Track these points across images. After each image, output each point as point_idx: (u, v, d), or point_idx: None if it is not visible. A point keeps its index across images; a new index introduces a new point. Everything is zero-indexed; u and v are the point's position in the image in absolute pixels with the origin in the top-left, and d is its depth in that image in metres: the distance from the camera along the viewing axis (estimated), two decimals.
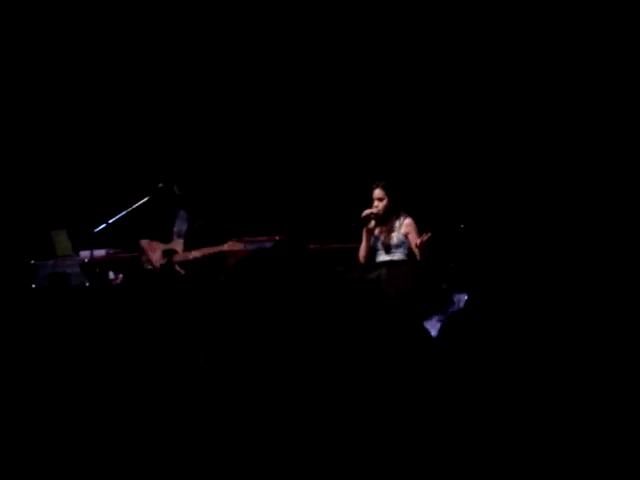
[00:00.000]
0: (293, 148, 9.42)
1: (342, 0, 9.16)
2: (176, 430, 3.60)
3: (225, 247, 7.25)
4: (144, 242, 7.41)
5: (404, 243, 7.06)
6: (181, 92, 9.54)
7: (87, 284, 7.69)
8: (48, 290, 7.75)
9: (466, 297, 7.56)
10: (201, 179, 7.87)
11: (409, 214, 7.15)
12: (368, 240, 7.13)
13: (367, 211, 7.11)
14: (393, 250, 7.07)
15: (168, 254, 7.26)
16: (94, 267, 7.76)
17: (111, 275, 7.85)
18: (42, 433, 3.81)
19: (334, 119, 9.33)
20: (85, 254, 7.97)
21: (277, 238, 8.45)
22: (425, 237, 6.81)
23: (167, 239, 7.40)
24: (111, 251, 8.10)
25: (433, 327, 7.32)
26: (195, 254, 7.24)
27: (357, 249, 7.31)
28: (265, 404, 3.50)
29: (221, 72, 9.49)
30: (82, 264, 7.90)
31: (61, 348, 5.21)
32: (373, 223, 7.12)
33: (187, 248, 7.31)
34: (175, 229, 7.42)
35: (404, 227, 7.07)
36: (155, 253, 7.31)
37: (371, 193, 7.17)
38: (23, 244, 8.90)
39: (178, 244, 7.32)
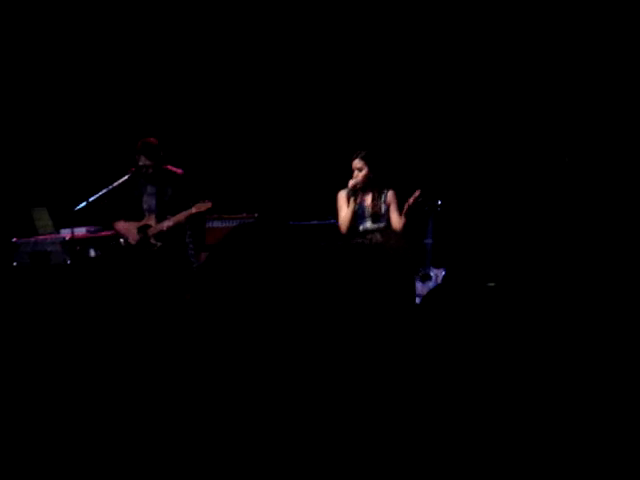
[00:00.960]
0: (270, 122, 9.45)
1: None
2: (163, 417, 3.63)
3: (193, 209, 7.31)
4: (118, 224, 7.42)
5: (387, 212, 7.17)
6: (156, 66, 9.56)
7: (68, 262, 7.71)
8: (29, 268, 7.76)
9: (444, 273, 7.65)
10: (175, 151, 7.84)
11: (390, 186, 7.25)
12: (352, 209, 7.20)
13: (352, 182, 7.18)
14: (381, 218, 7.17)
15: (142, 230, 7.29)
16: (75, 245, 7.77)
17: (92, 253, 7.87)
18: (27, 416, 3.84)
19: (312, 93, 9.36)
20: (66, 232, 7.99)
21: (255, 215, 8.52)
22: (416, 193, 6.95)
23: (139, 218, 7.41)
24: (92, 229, 8.12)
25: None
26: (167, 223, 7.29)
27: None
28: (256, 382, 3.54)
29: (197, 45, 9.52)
30: (63, 242, 7.91)
31: (43, 327, 5.24)
32: (357, 189, 7.21)
33: (160, 221, 7.34)
34: (144, 206, 7.41)
35: (387, 197, 7.17)
36: (131, 232, 7.34)
37: (351, 163, 7.25)
38: (4, 222, 8.91)
39: (150, 219, 7.35)
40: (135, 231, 7.31)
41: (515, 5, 8.64)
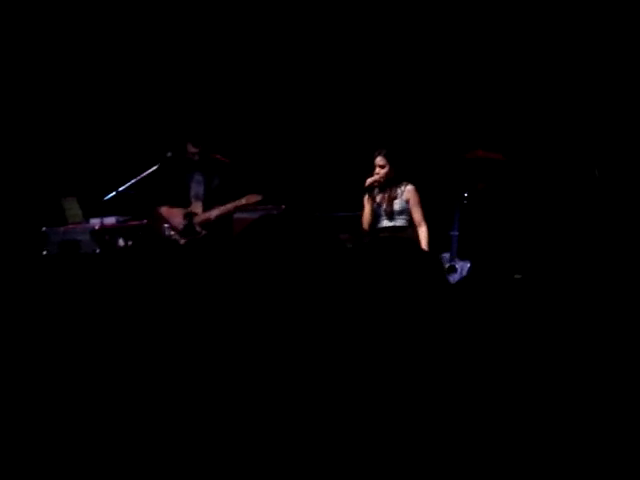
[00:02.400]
0: (299, 113, 9.50)
1: None
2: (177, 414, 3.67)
3: (243, 201, 7.38)
4: (163, 209, 7.52)
5: (406, 210, 7.19)
6: (187, 57, 9.62)
7: (97, 251, 7.79)
8: (59, 257, 7.84)
9: (469, 265, 7.69)
10: (212, 141, 7.90)
11: (411, 181, 7.28)
12: (371, 207, 7.26)
13: (370, 180, 7.24)
14: (396, 217, 7.21)
15: (188, 217, 7.38)
16: (104, 234, 7.85)
17: (121, 242, 7.95)
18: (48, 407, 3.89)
19: (339, 89, 9.40)
20: (95, 222, 8.06)
21: (282, 206, 8.56)
22: None
23: (185, 204, 7.51)
24: (121, 219, 8.19)
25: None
26: (215, 212, 7.38)
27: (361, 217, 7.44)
28: (272, 372, 3.57)
29: (228, 40, 9.56)
30: (92, 231, 7.99)
31: (72, 316, 5.31)
32: (376, 191, 7.25)
33: (207, 209, 7.44)
34: (192, 193, 7.53)
35: (406, 193, 7.20)
36: (176, 218, 7.44)
37: (373, 160, 7.30)
38: (34, 211, 9.00)
39: (197, 207, 7.46)
40: (181, 217, 7.41)
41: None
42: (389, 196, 7.21)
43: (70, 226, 8.17)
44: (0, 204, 9.26)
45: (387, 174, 7.22)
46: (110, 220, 8.09)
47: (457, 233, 7.91)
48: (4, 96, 9.45)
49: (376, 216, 7.27)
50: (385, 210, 7.22)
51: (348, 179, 8.22)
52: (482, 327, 4.22)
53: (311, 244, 4.09)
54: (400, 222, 7.21)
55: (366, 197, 7.29)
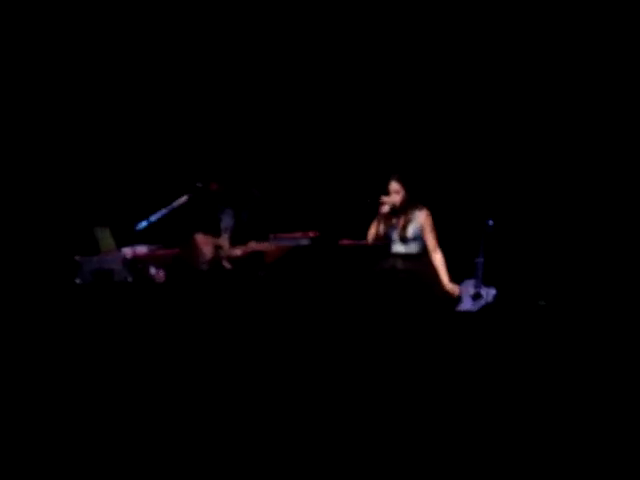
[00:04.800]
0: (322, 146, 9.62)
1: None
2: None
3: (262, 247, 7.47)
4: (199, 236, 7.63)
5: (420, 236, 7.21)
6: (215, 92, 9.76)
7: (130, 280, 7.89)
8: (92, 286, 7.95)
9: (494, 292, 7.74)
10: (240, 176, 8.02)
11: (426, 205, 7.30)
12: (378, 223, 7.28)
13: (385, 198, 7.25)
14: (409, 242, 7.22)
15: (217, 249, 7.50)
16: (136, 263, 7.95)
17: (152, 271, 8.04)
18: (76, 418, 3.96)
19: (358, 115, 9.51)
20: (127, 250, 8.17)
21: (311, 234, 8.65)
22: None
23: (218, 235, 7.64)
24: (152, 247, 8.29)
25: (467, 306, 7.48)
26: (237, 252, 7.47)
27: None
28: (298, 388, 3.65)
29: (254, 77, 9.70)
30: (125, 260, 8.09)
31: (105, 342, 5.42)
32: (387, 208, 7.26)
33: (234, 243, 7.55)
34: (222, 225, 7.67)
35: (419, 218, 7.21)
36: (208, 247, 7.55)
37: (387, 185, 7.33)
38: (67, 240, 9.13)
39: (224, 240, 7.56)
40: (212, 247, 7.52)
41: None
42: (403, 221, 7.23)
43: (103, 255, 8.28)
44: (34, 233, 9.41)
45: (402, 199, 7.25)
46: (142, 249, 8.18)
47: (482, 260, 7.96)
48: (40, 127, 9.63)
49: (390, 239, 7.29)
50: (399, 234, 7.24)
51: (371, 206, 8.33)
52: (507, 352, 4.29)
53: (336, 272, 4.19)
54: (414, 248, 7.20)
55: (376, 219, 7.31)
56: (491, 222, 7.93)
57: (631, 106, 8.60)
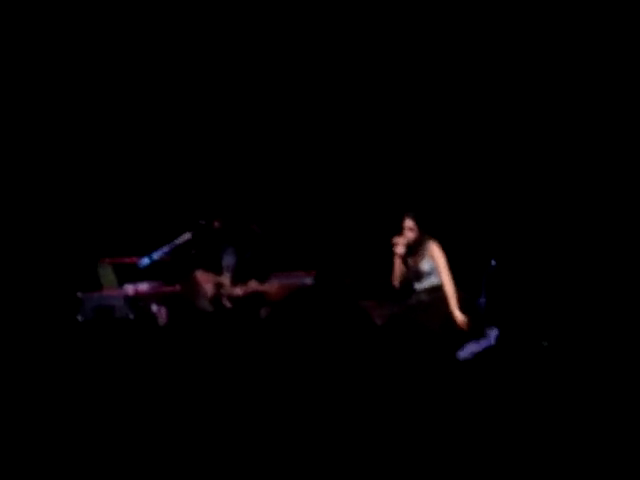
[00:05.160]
0: (327, 183, 9.63)
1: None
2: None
3: (267, 288, 7.46)
4: (199, 273, 7.61)
5: (435, 269, 7.22)
6: (219, 131, 9.80)
7: (132, 317, 7.89)
8: (93, 322, 7.94)
9: (497, 332, 7.71)
10: (241, 214, 8.03)
11: (435, 238, 7.31)
12: (399, 265, 7.32)
13: (398, 239, 7.28)
14: (425, 278, 7.24)
15: (218, 287, 7.47)
16: (138, 300, 7.95)
17: (154, 308, 8.04)
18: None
19: (366, 152, 9.54)
20: (129, 287, 8.17)
21: (314, 273, 8.64)
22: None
23: (219, 272, 7.62)
24: (154, 284, 8.29)
25: (467, 354, 7.48)
26: (240, 291, 7.44)
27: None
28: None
29: (260, 115, 9.73)
30: (127, 297, 8.10)
31: (107, 378, 5.40)
32: (402, 248, 7.28)
33: (236, 282, 7.51)
34: (224, 263, 7.64)
35: (430, 251, 7.24)
36: (208, 284, 7.52)
37: (401, 223, 7.35)
38: (69, 277, 9.13)
39: (226, 278, 7.53)
40: (213, 284, 7.49)
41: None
42: (416, 258, 7.26)
43: (105, 292, 8.28)
44: (36, 269, 9.41)
45: (416, 237, 7.28)
46: (144, 286, 8.19)
47: (485, 299, 7.94)
48: (46, 163, 9.65)
49: (408, 279, 7.32)
50: (414, 272, 7.27)
51: (377, 244, 8.31)
52: (509, 391, 4.28)
53: (342, 311, 4.18)
54: (429, 283, 7.23)
55: (395, 256, 7.34)
56: (494, 262, 7.92)
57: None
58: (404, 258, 7.32)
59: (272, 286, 7.48)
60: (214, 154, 9.77)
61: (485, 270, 7.98)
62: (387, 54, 9.32)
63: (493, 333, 7.70)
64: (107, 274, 8.38)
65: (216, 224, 7.68)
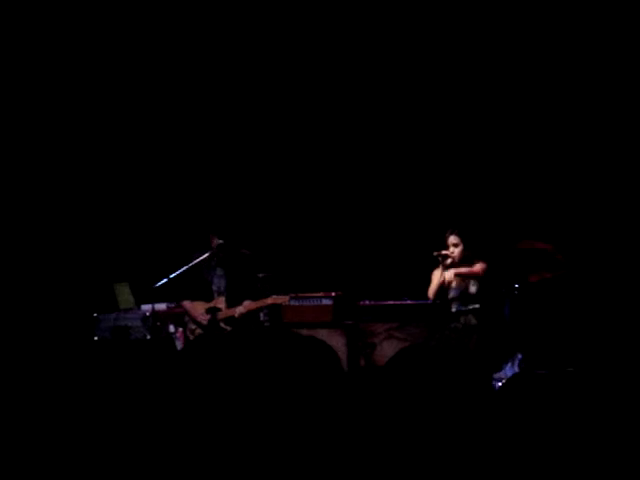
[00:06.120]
0: (346, 200, 9.56)
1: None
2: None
3: (269, 301, 7.34)
4: (186, 303, 7.47)
5: (480, 291, 7.03)
6: (230, 149, 9.75)
7: (148, 337, 7.82)
8: (110, 343, 7.89)
9: (520, 356, 7.59)
10: (230, 237, 7.90)
11: (481, 259, 7.17)
12: (440, 277, 7.12)
13: (444, 252, 7.08)
14: (471, 300, 7.05)
15: (212, 312, 7.27)
16: (155, 320, 7.87)
17: (171, 329, 7.98)
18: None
19: (386, 167, 9.47)
20: (146, 308, 8.11)
21: (333, 294, 8.56)
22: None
23: (209, 298, 7.48)
24: (171, 305, 8.23)
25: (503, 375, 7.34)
26: (240, 310, 7.28)
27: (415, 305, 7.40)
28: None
29: (270, 131, 9.68)
30: (144, 317, 8.04)
31: (123, 400, 5.33)
32: (449, 261, 7.10)
33: (230, 304, 7.35)
34: (214, 287, 7.46)
35: (477, 268, 7.06)
36: (198, 312, 7.36)
37: (445, 240, 7.18)
38: (86, 297, 9.08)
39: (220, 301, 7.36)
40: (203, 311, 7.32)
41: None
42: (464, 279, 7.08)
43: (122, 312, 8.22)
44: (54, 289, 9.37)
45: (461, 253, 7.11)
46: (161, 306, 8.12)
47: (508, 312, 7.82)
48: (61, 183, 9.63)
49: (448, 298, 7.12)
50: (460, 292, 7.10)
51: (395, 265, 8.22)
52: (534, 421, 4.16)
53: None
54: (477, 304, 7.06)
55: (436, 274, 7.16)
56: (517, 285, 7.81)
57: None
58: (445, 268, 7.09)
59: (275, 299, 7.34)
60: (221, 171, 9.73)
61: (507, 295, 7.87)
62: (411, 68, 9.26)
63: (516, 357, 7.58)
64: (124, 294, 8.33)
65: (212, 243, 7.50)
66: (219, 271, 7.48)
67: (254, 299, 7.34)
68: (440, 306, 7.16)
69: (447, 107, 9.20)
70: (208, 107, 9.75)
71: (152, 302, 7.94)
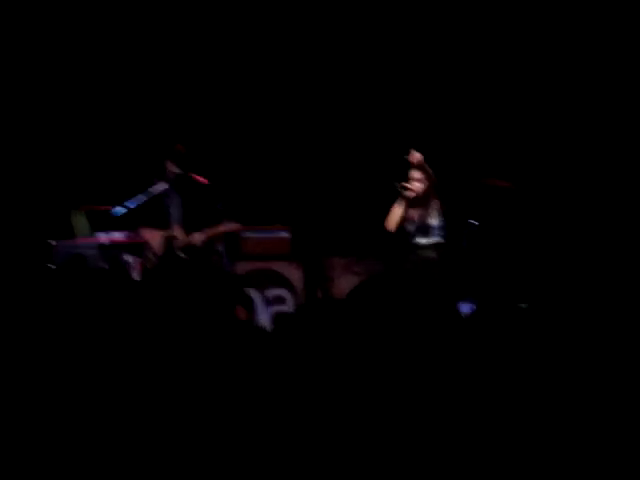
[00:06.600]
0: (306, 132, 9.52)
1: None
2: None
3: (221, 228, 7.31)
4: (144, 230, 7.41)
5: (442, 225, 7.05)
6: (193, 81, 9.65)
7: (104, 266, 7.77)
8: (65, 271, 7.83)
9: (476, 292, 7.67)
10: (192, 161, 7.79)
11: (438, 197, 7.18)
12: (401, 210, 7.13)
13: (409, 186, 7.06)
14: (431, 233, 7.05)
15: (169, 241, 7.24)
16: (112, 250, 7.83)
17: (128, 258, 7.93)
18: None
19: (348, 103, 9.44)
20: (103, 236, 8.06)
21: (291, 227, 8.56)
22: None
23: (165, 226, 7.43)
24: (129, 234, 8.17)
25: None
26: (198, 238, 7.25)
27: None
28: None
29: (230, 66, 9.58)
30: (100, 246, 7.99)
31: (76, 330, 5.29)
32: (412, 194, 7.07)
33: (188, 232, 7.31)
34: (171, 216, 7.39)
35: (439, 202, 7.08)
36: (156, 241, 7.31)
37: (407, 175, 7.15)
38: (42, 224, 9.00)
39: (177, 230, 7.30)
40: (161, 240, 7.28)
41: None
42: (423, 212, 7.07)
43: (78, 240, 8.17)
44: (9, 216, 9.27)
45: (423, 187, 7.08)
46: (118, 235, 8.07)
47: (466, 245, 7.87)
48: (17, 109, 9.47)
49: (409, 233, 7.11)
50: (420, 226, 7.07)
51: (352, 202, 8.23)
52: (487, 353, 4.20)
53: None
54: (438, 238, 7.07)
55: (401, 198, 7.15)
56: (475, 222, 7.85)
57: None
58: (408, 201, 7.08)
59: (228, 227, 7.32)
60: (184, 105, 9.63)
61: (465, 230, 7.91)
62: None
63: (474, 291, 7.66)
64: (81, 222, 8.26)
65: (168, 169, 7.38)
66: (176, 200, 7.42)
67: (209, 227, 7.31)
68: (398, 239, 7.18)
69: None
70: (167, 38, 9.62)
71: (108, 231, 7.90)
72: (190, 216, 7.37)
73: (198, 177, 7.43)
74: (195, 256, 7.27)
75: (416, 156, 7.00)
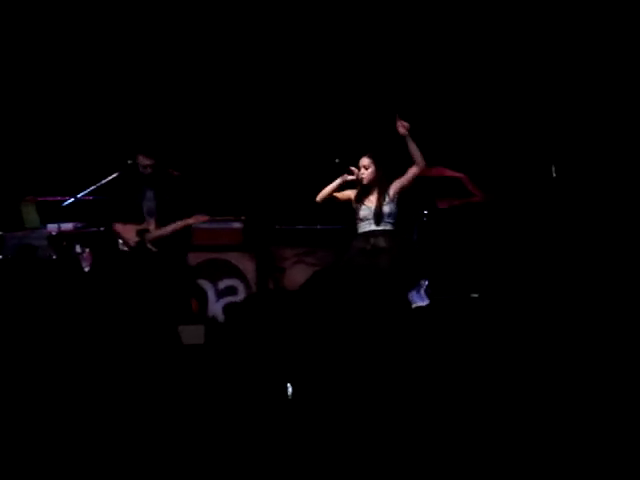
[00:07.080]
0: (262, 121, 9.50)
1: None
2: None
3: (191, 220, 7.33)
4: (118, 225, 7.41)
5: (394, 212, 7.07)
6: (150, 68, 9.59)
7: (54, 257, 7.73)
8: (15, 261, 7.78)
9: (427, 282, 7.70)
10: (164, 154, 7.81)
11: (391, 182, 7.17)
12: (335, 186, 7.13)
13: (354, 170, 7.07)
14: (385, 220, 7.07)
15: (141, 234, 7.26)
16: (61, 240, 7.79)
17: (78, 249, 7.89)
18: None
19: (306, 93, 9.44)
20: (53, 227, 8.01)
21: (243, 218, 8.55)
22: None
23: (140, 221, 7.40)
24: (78, 225, 8.13)
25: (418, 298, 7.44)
26: (166, 230, 7.27)
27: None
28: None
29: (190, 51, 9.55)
30: (49, 237, 7.93)
31: (26, 320, 5.26)
32: (353, 177, 7.09)
33: (160, 225, 7.33)
34: (145, 209, 7.42)
35: (392, 189, 7.08)
36: (129, 234, 7.32)
37: (358, 161, 7.16)
38: None
39: (150, 223, 7.33)
40: (134, 234, 7.29)
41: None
42: (377, 199, 7.07)
43: (27, 231, 8.10)
44: None
45: (372, 175, 7.09)
46: (68, 226, 8.03)
47: (416, 237, 7.91)
48: None
49: (361, 219, 7.11)
50: (374, 213, 7.07)
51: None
52: (440, 344, 4.23)
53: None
54: (389, 226, 7.08)
55: (342, 177, 7.08)
56: (425, 212, 7.89)
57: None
58: (358, 196, 7.10)
59: (197, 219, 7.33)
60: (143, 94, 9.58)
61: (416, 220, 7.95)
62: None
63: (423, 283, 7.69)
64: (30, 213, 8.20)
65: (140, 163, 7.39)
66: (148, 193, 7.42)
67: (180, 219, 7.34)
68: (349, 229, 7.21)
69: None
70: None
71: (58, 222, 7.85)
72: (165, 210, 7.38)
73: (170, 169, 7.44)
74: (164, 248, 7.29)
75: (405, 124, 7.00)
